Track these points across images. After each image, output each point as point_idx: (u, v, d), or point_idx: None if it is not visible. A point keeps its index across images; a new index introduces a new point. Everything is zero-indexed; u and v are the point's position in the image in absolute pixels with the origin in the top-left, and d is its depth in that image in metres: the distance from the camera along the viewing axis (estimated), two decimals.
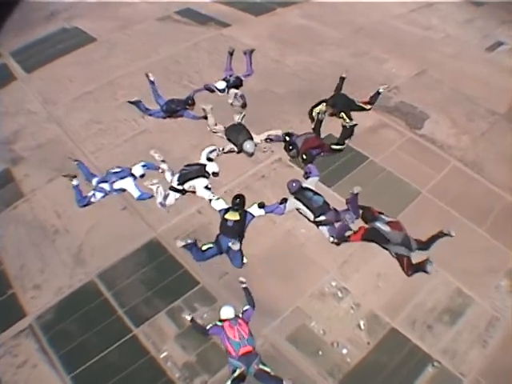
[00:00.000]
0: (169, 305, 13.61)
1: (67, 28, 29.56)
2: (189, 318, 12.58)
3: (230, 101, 18.73)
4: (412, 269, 13.29)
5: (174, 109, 18.65)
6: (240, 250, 13.58)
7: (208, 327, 12.38)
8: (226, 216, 13.95)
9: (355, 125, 16.51)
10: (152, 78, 19.12)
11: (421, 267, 13.23)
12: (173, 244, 15.22)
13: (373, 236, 13.75)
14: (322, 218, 13.68)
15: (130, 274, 14.65)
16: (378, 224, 13.68)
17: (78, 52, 27.02)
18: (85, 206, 15.46)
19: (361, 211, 14.66)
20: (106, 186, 15.29)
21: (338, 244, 14.06)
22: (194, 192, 15.62)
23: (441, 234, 13.69)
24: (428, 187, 16.88)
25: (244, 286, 13.01)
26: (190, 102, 18.87)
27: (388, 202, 16.10)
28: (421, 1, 29.45)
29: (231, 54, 20.34)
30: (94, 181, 15.46)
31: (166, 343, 12.78)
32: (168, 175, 15.90)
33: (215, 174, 15.83)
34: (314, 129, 16.69)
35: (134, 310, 13.43)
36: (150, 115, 18.99)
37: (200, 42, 25.89)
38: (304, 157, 15.95)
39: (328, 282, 14.35)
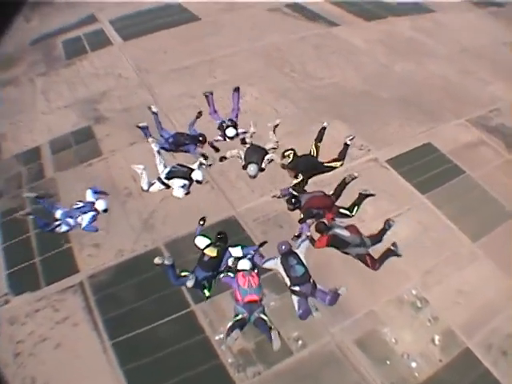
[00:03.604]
0: None
1: (171, 4, 29.95)
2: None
3: (269, 124, 17.26)
4: (378, 262, 13.25)
5: (182, 141, 16.89)
6: (201, 284, 12.88)
7: (221, 276, 12.86)
8: (205, 250, 13.22)
9: (371, 195, 14.83)
10: (155, 110, 17.33)
11: (388, 255, 13.31)
12: (251, 225, 14.90)
13: (334, 242, 13.47)
14: (297, 288, 12.56)
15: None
16: (338, 231, 13.51)
17: (179, 28, 27.51)
18: (49, 231, 14.42)
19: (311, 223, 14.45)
20: (71, 221, 14.42)
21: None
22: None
23: (386, 227, 13.79)
24: None
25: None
26: (201, 139, 17.00)
27: (478, 220, 15.35)
28: None
29: (211, 94, 18.06)
30: (58, 213, 14.44)
31: (224, 325, 12.18)
32: (160, 166, 15.65)
33: (198, 182, 15.45)
34: (335, 189, 15.18)
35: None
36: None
37: (307, 36, 25.80)
38: (302, 215, 14.53)
39: (408, 290, 13.50)
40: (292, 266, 12.79)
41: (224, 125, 17.24)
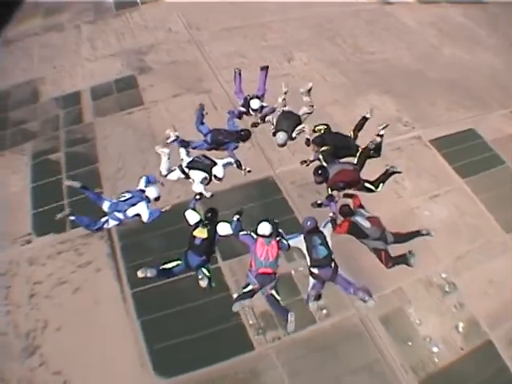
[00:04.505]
0: None
1: None
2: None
3: (301, 90, 15.41)
4: (391, 261, 12.06)
5: (220, 140, 15.02)
6: (209, 275, 11.96)
7: (241, 233, 12.04)
8: (195, 233, 12.22)
9: (398, 172, 13.86)
10: (203, 107, 15.31)
11: (402, 260, 12.08)
12: (288, 188, 14.90)
13: (353, 230, 12.44)
14: (315, 271, 11.74)
15: (234, 205, 13.71)
16: (359, 219, 12.42)
17: None
18: (98, 230, 13.05)
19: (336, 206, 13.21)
20: (119, 215, 13.01)
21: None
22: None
23: (421, 233, 12.48)
24: None
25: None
26: (243, 134, 15.15)
27: None
28: None
29: (240, 73, 16.25)
30: (106, 206, 12.97)
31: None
32: (183, 153, 14.41)
33: (216, 178, 14.10)
34: (358, 159, 13.91)
35: (227, 241, 12.48)
36: (193, 148, 15.00)
37: (360, 11, 25.82)
38: (329, 190, 13.44)
39: (438, 272, 13.34)
40: (315, 246, 11.93)
41: (248, 97, 15.89)
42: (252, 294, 11.43)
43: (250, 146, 15.45)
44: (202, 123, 15.12)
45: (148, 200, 13.25)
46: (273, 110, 15.63)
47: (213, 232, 12.25)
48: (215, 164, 14.15)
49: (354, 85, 19.58)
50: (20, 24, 25.78)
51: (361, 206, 12.99)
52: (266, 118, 15.52)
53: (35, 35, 24.56)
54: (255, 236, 11.94)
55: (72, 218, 12.48)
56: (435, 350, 11.82)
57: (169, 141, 14.53)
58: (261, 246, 11.66)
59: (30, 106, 19.55)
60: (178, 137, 14.53)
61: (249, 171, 14.55)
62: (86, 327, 11.83)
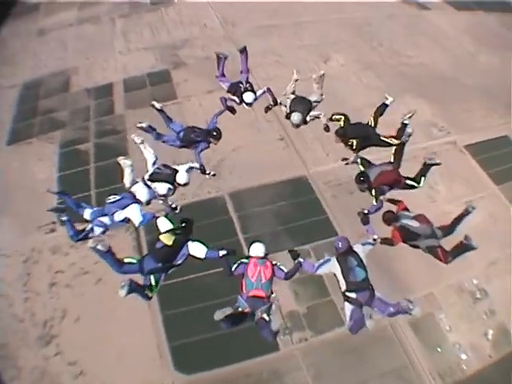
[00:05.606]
0: (296, 246, 12.11)
1: None
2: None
3: (313, 76, 14.78)
4: (450, 255, 11.10)
5: (192, 139, 13.75)
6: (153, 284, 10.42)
7: (234, 268, 10.73)
8: (161, 236, 10.87)
9: (437, 163, 13.81)
10: (158, 106, 13.83)
11: (462, 249, 11.16)
12: (322, 188, 14.77)
13: (404, 235, 11.35)
14: (353, 295, 10.19)
15: (265, 203, 13.96)
16: (405, 221, 11.37)
17: None
18: (79, 240, 11.13)
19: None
20: (105, 219, 11.10)
21: None
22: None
23: (464, 213, 11.68)
24: None
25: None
26: (215, 134, 13.73)
27: None
28: None
29: (225, 58, 15.38)
30: (87, 213, 11.20)
31: (278, 284, 11.37)
32: (150, 163, 12.77)
33: (181, 185, 12.59)
34: (394, 156, 12.76)
35: (257, 239, 11.47)
36: (164, 142, 13.71)
37: (397, 15, 25.94)
38: (373, 193, 12.23)
39: (470, 279, 13.26)
40: (352, 268, 10.41)
41: (242, 86, 14.99)
42: (242, 318, 10.41)
43: (285, 145, 15.55)
44: (171, 120, 14.00)
45: (140, 203, 11.83)
46: (272, 95, 14.94)
47: (179, 243, 11.00)
48: (177, 172, 12.94)
49: (390, 88, 18.99)
50: (55, 15, 26.37)
51: (406, 209, 12.22)
52: (278, 101, 14.95)
53: (70, 26, 25.07)
54: (246, 260, 10.92)
55: (64, 219, 10.97)
56: (464, 357, 11.71)
57: (139, 125, 13.09)
58: (253, 266, 10.65)
59: (61, 96, 19.91)
60: (154, 130, 13.40)
61: (213, 175, 13.73)
62: (105, 319, 11.87)
